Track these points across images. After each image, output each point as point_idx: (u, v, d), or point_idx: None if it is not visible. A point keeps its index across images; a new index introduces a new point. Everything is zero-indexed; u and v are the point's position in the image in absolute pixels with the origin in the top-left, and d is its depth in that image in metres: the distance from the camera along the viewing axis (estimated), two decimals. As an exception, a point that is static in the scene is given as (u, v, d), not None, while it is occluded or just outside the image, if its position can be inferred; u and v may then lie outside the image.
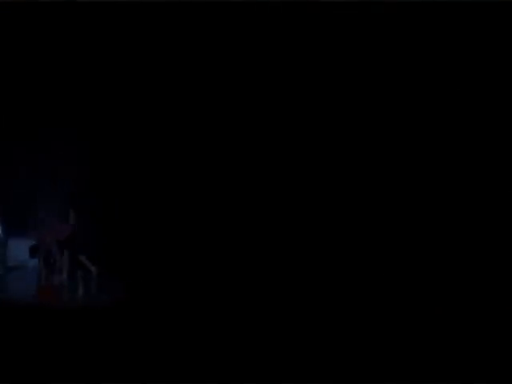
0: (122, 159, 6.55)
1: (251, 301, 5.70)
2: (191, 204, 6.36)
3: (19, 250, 6.44)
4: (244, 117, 6.34)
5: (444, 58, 5.86)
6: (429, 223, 5.91)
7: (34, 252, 6.30)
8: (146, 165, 6.49)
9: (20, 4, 6.15)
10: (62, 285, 6.02)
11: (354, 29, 6.00)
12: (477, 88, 5.79)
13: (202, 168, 6.39)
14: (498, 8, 5.45)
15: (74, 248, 6.12)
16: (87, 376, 4.72)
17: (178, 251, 6.22)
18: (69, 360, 4.88)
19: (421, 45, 5.89)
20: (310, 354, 5.09)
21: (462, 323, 5.36)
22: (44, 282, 6.10)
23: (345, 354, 5.11)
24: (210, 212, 6.31)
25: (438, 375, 4.83)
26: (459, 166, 5.87)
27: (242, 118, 6.34)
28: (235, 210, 6.28)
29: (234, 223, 6.25)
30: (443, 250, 5.81)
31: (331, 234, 6.14)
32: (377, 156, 6.12)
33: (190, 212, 6.35)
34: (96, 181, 6.56)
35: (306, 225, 6.19)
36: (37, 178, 6.66)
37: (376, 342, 5.24)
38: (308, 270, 6.05)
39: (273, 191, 6.26)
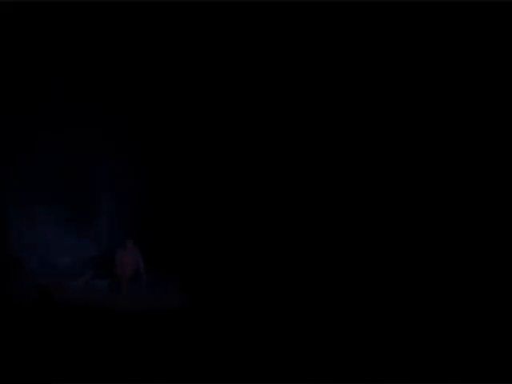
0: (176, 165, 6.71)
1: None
2: (251, 211, 6.46)
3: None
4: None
5: (444, 58, 5.85)
6: (429, 223, 5.89)
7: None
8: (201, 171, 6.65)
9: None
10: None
11: (354, 29, 6.01)
12: (477, 88, 5.77)
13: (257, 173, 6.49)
14: (498, 8, 5.45)
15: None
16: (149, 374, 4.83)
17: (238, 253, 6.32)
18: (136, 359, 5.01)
19: (421, 45, 5.88)
20: (312, 354, 5.11)
21: (462, 323, 5.35)
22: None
23: (345, 354, 5.12)
24: (270, 216, 6.40)
25: (438, 375, 4.84)
26: (459, 166, 5.85)
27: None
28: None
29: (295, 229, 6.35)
30: (443, 250, 5.79)
31: (332, 234, 6.14)
32: (377, 156, 6.12)
33: (250, 218, 6.44)
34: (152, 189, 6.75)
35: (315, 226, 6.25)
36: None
37: (376, 342, 5.25)
38: (312, 271, 6.08)
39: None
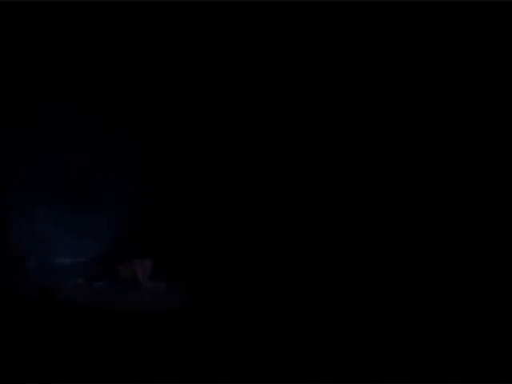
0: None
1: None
2: (254, 212, 6.43)
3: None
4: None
5: (444, 58, 5.87)
6: (429, 224, 5.91)
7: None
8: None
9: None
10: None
11: (354, 29, 6.03)
12: (478, 88, 5.79)
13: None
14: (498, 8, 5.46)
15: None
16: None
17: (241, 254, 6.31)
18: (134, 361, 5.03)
19: (421, 45, 5.90)
20: (312, 354, 5.12)
21: (462, 323, 5.37)
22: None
23: (345, 354, 5.13)
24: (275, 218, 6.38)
25: (437, 375, 4.85)
26: (460, 167, 5.87)
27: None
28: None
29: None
30: (444, 250, 5.81)
31: (334, 239, 6.16)
32: (377, 156, 6.14)
33: (252, 218, 6.41)
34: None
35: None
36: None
37: (376, 342, 5.26)
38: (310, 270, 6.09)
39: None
